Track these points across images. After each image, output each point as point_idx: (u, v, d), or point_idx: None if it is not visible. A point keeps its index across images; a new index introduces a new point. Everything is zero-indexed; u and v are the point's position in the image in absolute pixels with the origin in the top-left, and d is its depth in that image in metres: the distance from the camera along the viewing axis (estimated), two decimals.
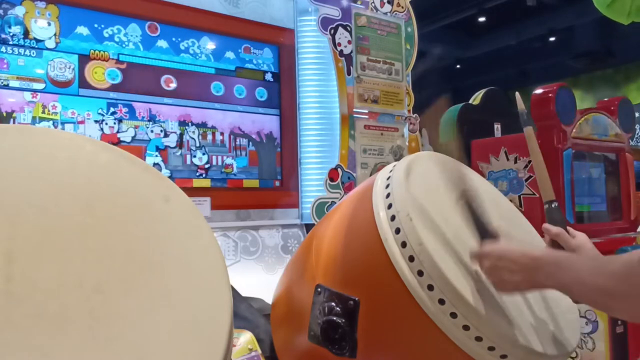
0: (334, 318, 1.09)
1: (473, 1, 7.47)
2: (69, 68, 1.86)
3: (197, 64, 2.15)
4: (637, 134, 7.37)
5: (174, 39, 2.09)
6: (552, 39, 8.56)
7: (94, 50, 1.91)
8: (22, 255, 0.71)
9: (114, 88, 1.95)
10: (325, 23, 2.33)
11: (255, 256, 2.18)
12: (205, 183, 2.13)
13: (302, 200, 2.35)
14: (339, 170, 2.33)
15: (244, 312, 1.57)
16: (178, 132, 2.08)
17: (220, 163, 2.18)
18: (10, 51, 1.76)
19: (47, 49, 1.82)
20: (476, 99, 3.25)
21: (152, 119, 2.02)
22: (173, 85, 2.08)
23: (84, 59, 1.89)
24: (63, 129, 1.84)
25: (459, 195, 1.07)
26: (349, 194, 1.39)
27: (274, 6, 2.36)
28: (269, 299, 1.48)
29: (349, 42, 2.39)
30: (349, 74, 2.38)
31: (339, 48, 2.36)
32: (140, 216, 0.84)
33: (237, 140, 2.23)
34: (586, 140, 2.52)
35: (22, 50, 1.78)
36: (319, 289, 1.16)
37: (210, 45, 2.19)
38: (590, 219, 2.66)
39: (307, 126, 2.37)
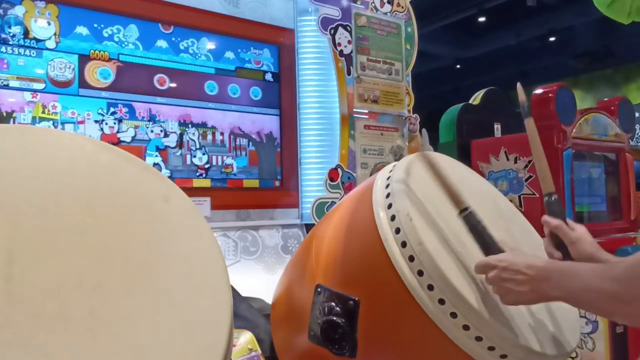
0: (334, 318, 1.09)
1: (473, 1, 7.46)
2: (69, 68, 1.86)
3: (197, 63, 2.15)
4: (637, 134, 7.36)
5: (173, 39, 2.09)
6: (552, 39, 8.56)
7: (94, 50, 1.91)
8: (22, 255, 0.71)
9: (114, 88, 1.95)
10: (325, 23, 2.33)
11: (255, 256, 2.18)
12: (205, 183, 2.13)
13: (302, 200, 2.34)
14: (339, 170, 2.33)
15: (244, 312, 1.57)
16: (178, 132, 2.08)
17: (220, 163, 2.18)
18: (10, 51, 1.76)
19: (47, 49, 1.82)
20: (476, 99, 3.25)
21: (152, 119, 2.02)
22: (173, 85, 2.08)
23: (84, 58, 1.89)
24: (63, 129, 1.83)
25: (457, 213, 1.05)
26: (349, 194, 1.39)
27: (274, 6, 2.36)
28: (269, 299, 1.48)
29: (349, 42, 2.39)
30: (349, 74, 2.38)
31: (339, 48, 2.36)
32: (140, 216, 0.84)
33: (237, 140, 2.23)
34: (586, 140, 2.52)
35: (22, 50, 1.78)
36: (319, 289, 1.16)
37: (210, 45, 2.19)
38: (590, 219, 2.67)
39: (307, 126, 2.37)
